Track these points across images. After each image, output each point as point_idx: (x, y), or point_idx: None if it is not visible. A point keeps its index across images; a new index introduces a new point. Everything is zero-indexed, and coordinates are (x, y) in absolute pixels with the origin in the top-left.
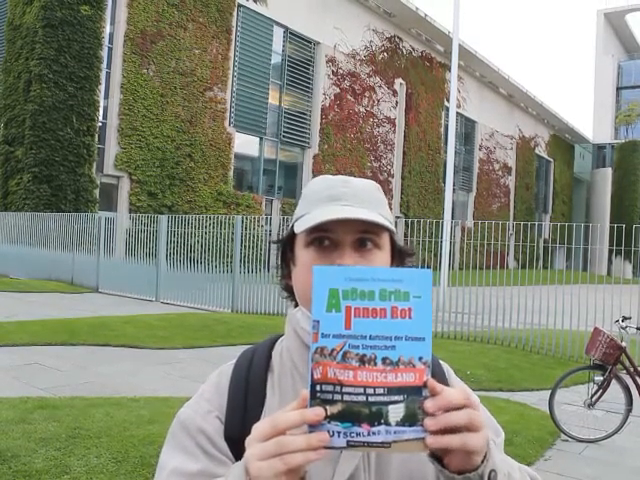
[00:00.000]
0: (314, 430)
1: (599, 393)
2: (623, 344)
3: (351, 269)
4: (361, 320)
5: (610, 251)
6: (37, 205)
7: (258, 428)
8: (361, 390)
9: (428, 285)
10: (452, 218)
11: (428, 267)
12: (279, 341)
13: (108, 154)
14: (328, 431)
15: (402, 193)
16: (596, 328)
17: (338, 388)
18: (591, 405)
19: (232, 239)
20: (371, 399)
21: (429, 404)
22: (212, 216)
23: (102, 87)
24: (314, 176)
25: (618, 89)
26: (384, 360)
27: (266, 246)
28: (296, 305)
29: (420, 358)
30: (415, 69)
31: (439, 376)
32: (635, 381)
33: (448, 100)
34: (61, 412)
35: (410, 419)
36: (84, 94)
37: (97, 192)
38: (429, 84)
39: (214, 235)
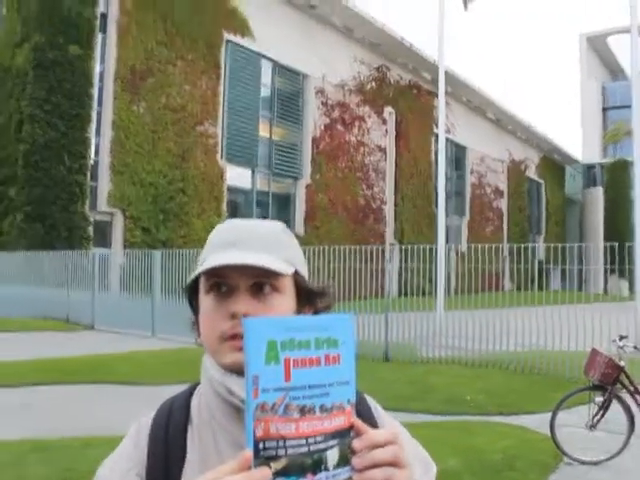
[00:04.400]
0: None
1: (600, 414)
2: (622, 363)
3: (283, 319)
4: (299, 370)
5: (605, 270)
6: (31, 244)
7: None
8: (303, 441)
9: (351, 329)
10: (446, 243)
11: (348, 311)
12: (197, 390)
13: (101, 191)
14: None
15: (395, 220)
16: (594, 349)
17: (281, 443)
18: (593, 426)
19: None
20: (312, 448)
21: (355, 444)
22: None
23: (93, 125)
24: (307, 206)
25: (604, 109)
26: (321, 408)
27: None
28: None
29: (348, 400)
30: (403, 97)
31: (366, 413)
32: (636, 400)
33: (437, 126)
34: (55, 454)
35: (343, 460)
36: (75, 132)
37: (91, 229)
38: (418, 111)
39: None
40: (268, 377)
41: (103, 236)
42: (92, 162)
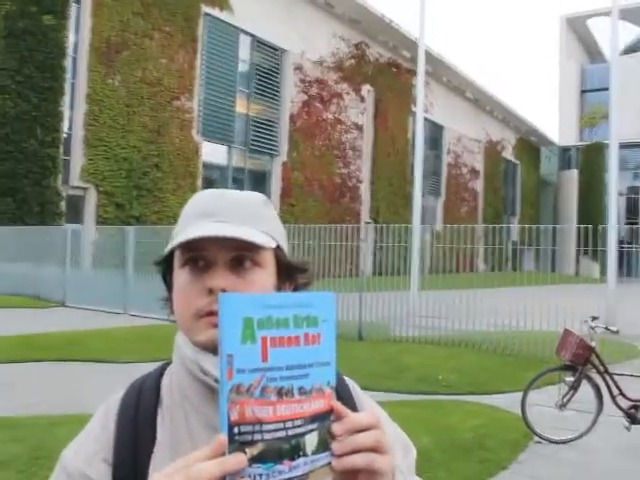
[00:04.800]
0: (234, 478)
1: (570, 394)
2: (593, 344)
3: (261, 295)
4: (277, 350)
5: (577, 251)
6: (1, 219)
7: None
8: (281, 425)
9: (332, 308)
10: (421, 223)
11: (330, 290)
12: (167, 369)
13: (74, 165)
14: (249, 475)
15: (372, 199)
16: (566, 329)
17: (258, 427)
18: (563, 406)
19: None
20: (290, 433)
21: (335, 428)
22: None
23: (67, 98)
24: (283, 184)
25: (582, 92)
26: (300, 390)
27: None
28: None
29: (328, 383)
30: (382, 75)
31: (345, 395)
32: (605, 380)
33: (415, 105)
34: (23, 432)
35: (322, 445)
36: (48, 105)
37: (63, 204)
38: (396, 90)
39: None
40: (244, 357)
41: (76, 212)
42: (65, 136)
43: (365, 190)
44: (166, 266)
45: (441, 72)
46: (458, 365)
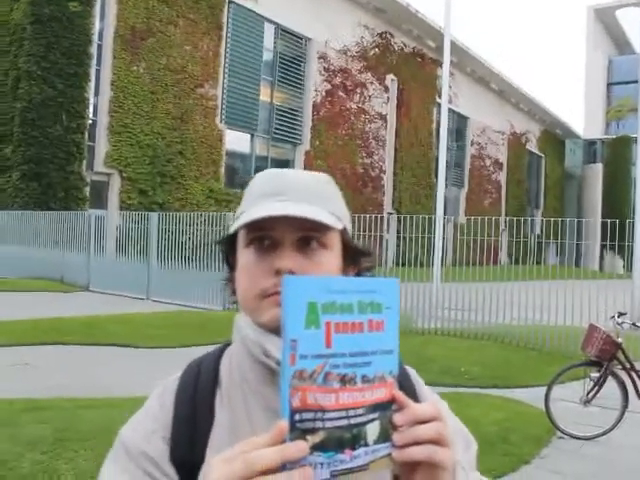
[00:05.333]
0: (294, 466)
1: (595, 390)
2: (619, 340)
3: (326, 279)
4: (341, 336)
5: (602, 246)
6: (27, 203)
7: (230, 469)
8: (343, 413)
9: (396, 295)
10: (444, 214)
11: (395, 276)
12: (227, 350)
13: (98, 151)
14: (310, 463)
15: (394, 189)
16: (592, 324)
17: (320, 415)
18: (587, 402)
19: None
20: (352, 421)
21: (397, 418)
22: (203, 214)
23: (92, 84)
24: None
25: (609, 85)
26: (363, 378)
27: None
28: None
29: (390, 372)
30: (406, 65)
31: (407, 385)
32: (631, 377)
33: (440, 96)
34: (49, 414)
35: (383, 436)
36: (73, 91)
37: (87, 190)
38: (421, 80)
39: (206, 233)
40: (307, 342)
41: (99, 197)
42: (90, 122)
43: (388, 180)
44: (228, 246)
45: (466, 63)
46: (481, 358)
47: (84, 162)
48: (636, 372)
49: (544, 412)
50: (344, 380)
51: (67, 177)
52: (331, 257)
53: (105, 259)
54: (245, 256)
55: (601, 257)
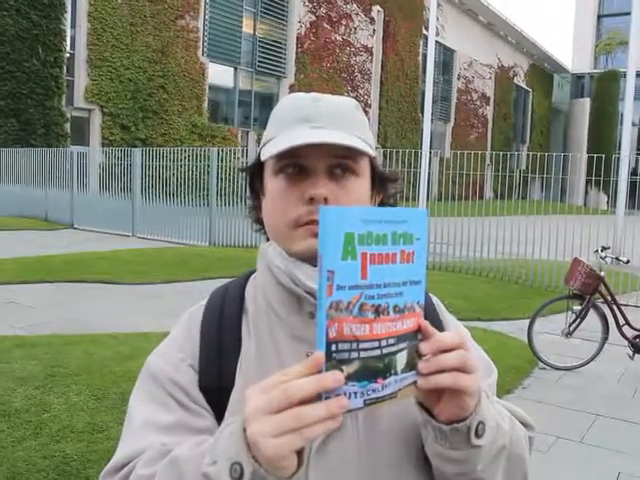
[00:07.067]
0: (329, 395)
1: (577, 322)
2: (602, 274)
3: (362, 210)
4: (376, 267)
5: (587, 182)
6: (5, 140)
7: (268, 399)
8: (376, 344)
9: (425, 225)
10: (430, 148)
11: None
12: (251, 278)
13: (78, 86)
14: (345, 393)
15: (379, 123)
16: (576, 258)
17: (355, 345)
18: (569, 334)
19: (208, 172)
20: (384, 351)
21: (423, 347)
22: (187, 149)
23: (68, 15)
24: None
25: (599, 17)
26: (395, 308)
27: (243, 178)
28: (268, 239)
29: (418, 302)
30: None
31: (431, 314)
32: (612, 310)
33: (427, 28)
34: (39, 350)
35: (410, 364)
36: (49, 23)
37: (68, 126)
38: (407, 11)
39: (190, 168)
40: (344, 273)
41: (81, 134)
42: (68, 55)
43: (373, 114)
44: (252, 172)
45: None
46: (465, 292)
47: (63, 97)
48: (617, 305)
49: (527, 344)
50: (378, 311)
51: (47, 113)
52: (362, 184)
53: (89, 196)
54: (276, 184)
55: (586, 193)
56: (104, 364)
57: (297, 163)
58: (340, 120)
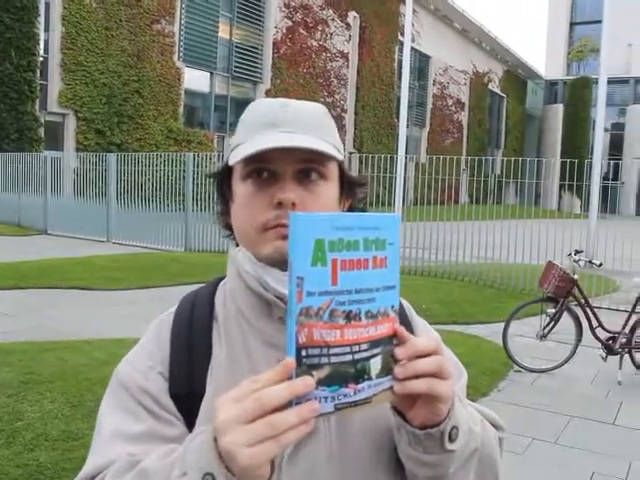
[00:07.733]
0: (301, 400)
1: (551, 325)
2: (575, 277)
3: (333, 216)
4: (346, 273)
5: (560, 186)
6: None
7: (241, 408)
8: (348, 349)
9: (398, 231)
10: (406, 153)
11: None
12: (221, 284)
13: (52, 91)
14: (316, 398)
15: (355, 128)
16: (550, 262)
17: (325, 350)
18: (543, 337)
19: (184, 177)
20: (356, 357)
21: (398, 352)
22: (163, 154)
23: (42, 19)
24: None
25: (572, 24)
26: (367, 314)
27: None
28: (237, 244)
29: (392, 307)
30: (369, 1)
31: (404, 319)
32: (585, 312)
33: (402, 34)
34: (12, 357)
35: (385, 369)
36: (22, 26)
37: (42, 131)
38: (383, 17)
39: (165, 173)
40: (314, 279)
41: (55, 138)
42: (41, 59)
43: (349, 119)
44: (221, 178)
45: (429, 0)
46: (441, 296)
47: (37, 102)
48: (590, 307)
49: (502, 347)
50: (349, 316)
51: (20, 117)
52: (330, 188)
53: (63, 202)
54: (243, 189)
55: (559, 197)
56: (79, 371)
57: (265, 168)
58: (308, 125)
